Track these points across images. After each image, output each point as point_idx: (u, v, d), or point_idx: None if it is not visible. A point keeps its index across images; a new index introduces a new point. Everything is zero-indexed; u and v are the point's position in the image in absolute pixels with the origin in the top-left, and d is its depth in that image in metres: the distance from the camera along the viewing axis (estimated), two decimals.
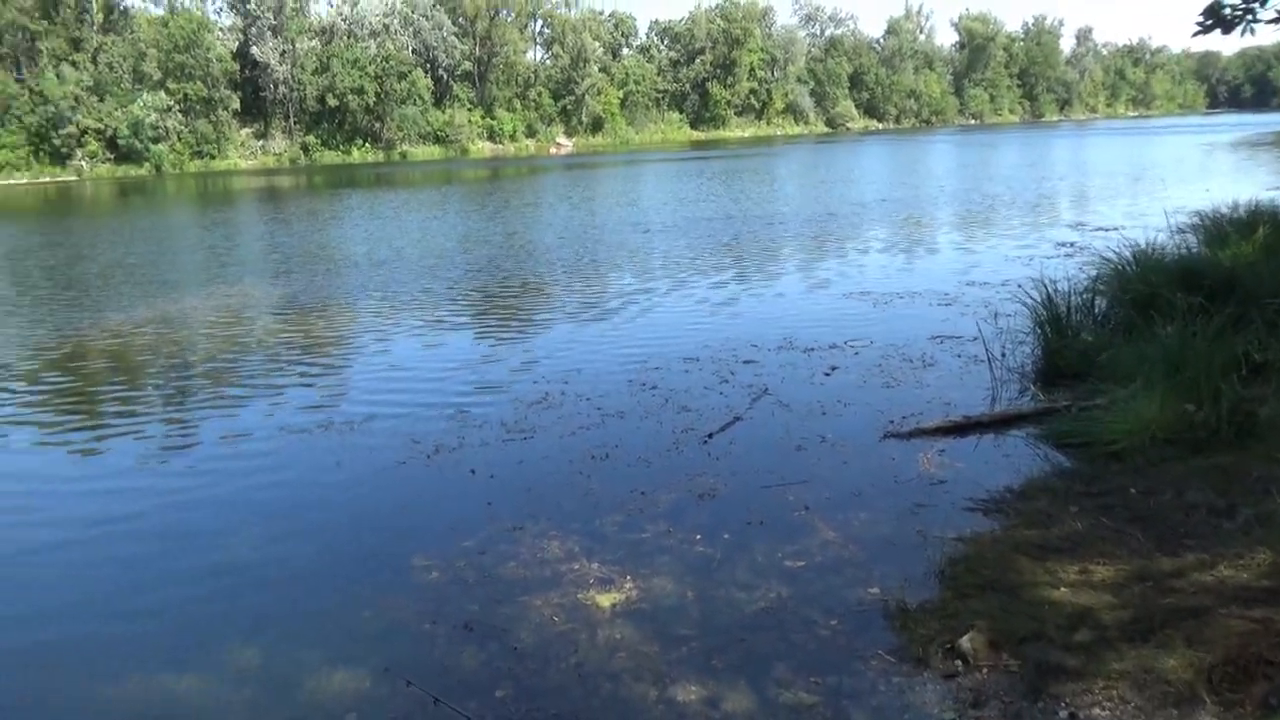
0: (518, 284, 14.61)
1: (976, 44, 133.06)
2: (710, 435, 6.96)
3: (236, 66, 73.60)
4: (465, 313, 12.75)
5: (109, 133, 64.30)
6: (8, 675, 4.36)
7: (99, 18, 69.01)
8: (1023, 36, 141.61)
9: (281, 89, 75.29)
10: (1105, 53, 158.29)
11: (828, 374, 8.51)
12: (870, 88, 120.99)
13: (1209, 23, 9.82)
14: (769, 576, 4.78)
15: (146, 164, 65.02)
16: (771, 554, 5.02)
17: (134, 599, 4.99)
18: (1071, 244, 15.47)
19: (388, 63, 77.88)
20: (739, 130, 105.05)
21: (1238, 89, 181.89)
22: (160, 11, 73.14)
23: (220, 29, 75.12)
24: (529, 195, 34.31)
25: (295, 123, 77.00)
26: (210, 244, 22.87)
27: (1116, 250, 9.44)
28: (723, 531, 5.32)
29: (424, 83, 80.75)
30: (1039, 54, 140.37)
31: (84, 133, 63.63)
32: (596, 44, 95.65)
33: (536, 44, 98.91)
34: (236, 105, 72.45)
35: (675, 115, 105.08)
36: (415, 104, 79.50)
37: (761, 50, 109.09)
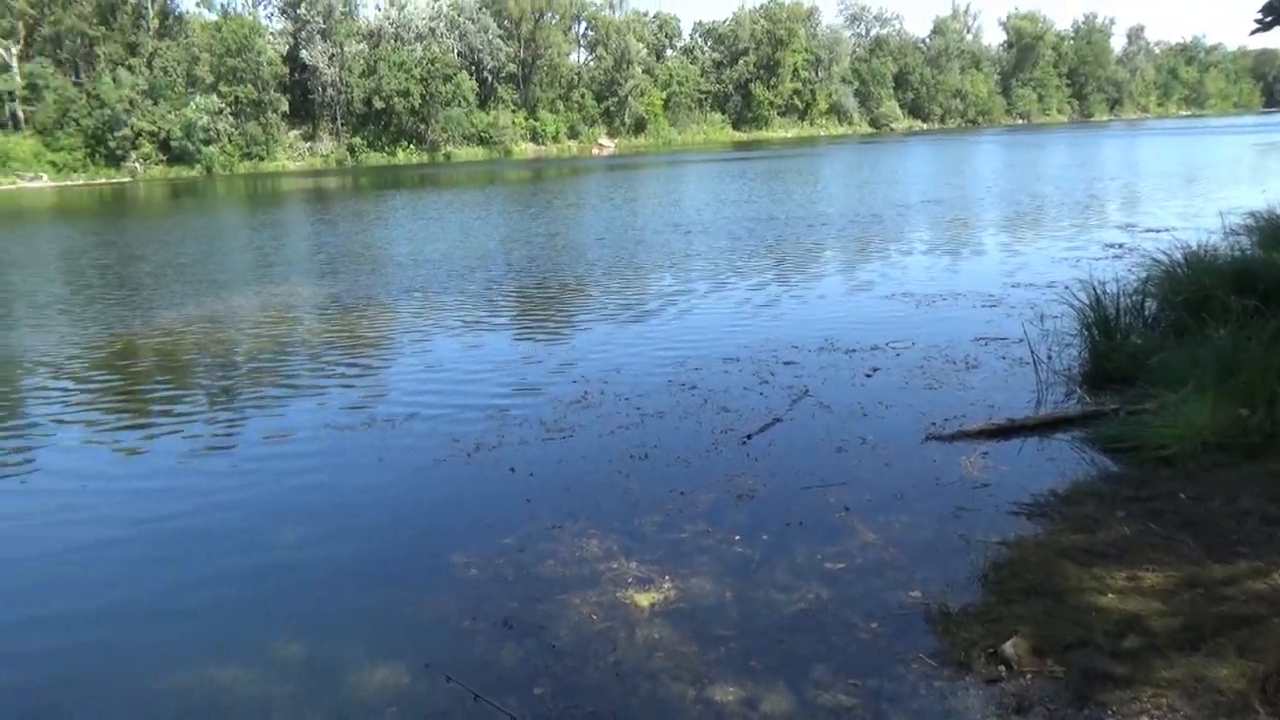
0: (558, 284, 14.68)
1: (1025, 43, 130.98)
2: (750, 436, 6.93)
3: (286, 70, 74.85)
4: (506, 312, 12.84)
5: (162, 135, 65.74)
6: (59, 668, 4.46)
7: (155, 23, 70.60)
8: (1072, 35, 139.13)
9: (329, 92, 76.43)
10: (1157, 51, 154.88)
11: (869, 375, 8.43)
12: (915, 88, 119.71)
13: (1268, 19, 9.55)
14: (808, 578, 4.75)
15: (198, 165, 66.38)
16: (811, 555, 4.99)
17: (180, 594, 5.09)
18: (1121, 245, 15.18)
19: (433, 65, 78.71)
20: (782, 131, 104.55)
21: None
22: (213, 16, 74.74)
23: (271, 33, 76.45)
24: (571, 196, 34.45)
25: (342, 124, 78.11)
26: (258, 244, 23.28)
27: (1167, 252, 9.23)
28: (762, 532, 5.30)
29: (469, 85, 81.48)
30: (1089, 53, 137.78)
31: (138, 135, 65.13)
32: (640, 45, 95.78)
33: (580, 46, 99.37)
34: (285, 108, 73.68)
35: (718, 116, 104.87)
36: (460, 106, 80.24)
37: (806, 50, 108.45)
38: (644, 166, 53.73)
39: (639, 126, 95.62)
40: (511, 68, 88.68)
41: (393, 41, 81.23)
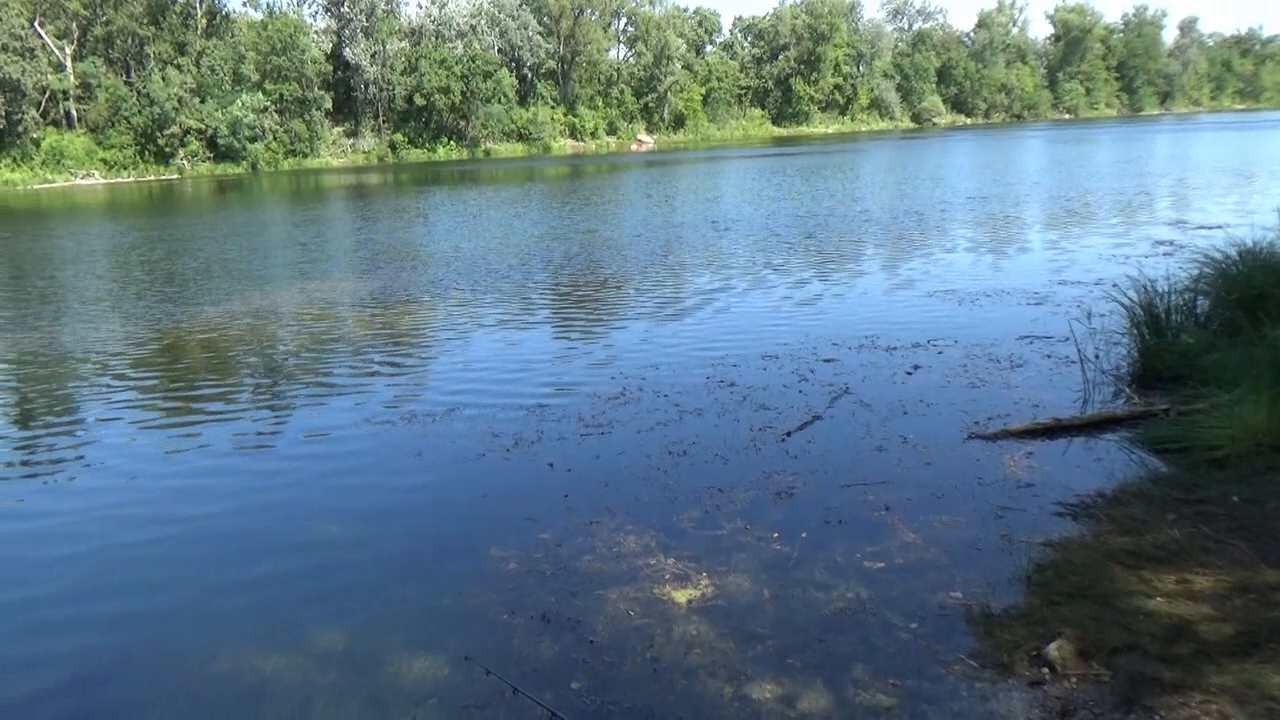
0: (596, 281, 14.70)
1: (1072, 36, 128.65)
2: (789, 433, 6.88)
3: (330, 67, 75.84)
4: (544, 309, 12.88)
5: (209, 132, 66.93)
6: (111, 655, 4.57)
7: (202, 22, 71.88)
8: (1122, 28, 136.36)
9: (371, 89, 77.29)
10: (1211, 43, 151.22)
11: (910, 373, 8.34)
12: (959, 82, 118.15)
13: None
14: (847, 577, 4.71)
15: (243, 162, 67.49)
16: (850, 554, 4.94)
17: (225, 582, 5.18)
18: (1171, 242, 14.84)
19: (474, 62, 79.26)
20: (822, 126, 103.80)
21: None
22: (259, 15, 75.92)
23: (315, 31, 77.50)
24: (609, 192, 34.49)
25: (384, 121, 78.96)
26: (301, 240, 23.59)
27: (1221, 249, 8.99)
28: (800, 530, 5.26)
29: (509, 81, 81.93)
30: (1139, 45, 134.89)
31: (186, 133, 66.38)
32: (680, 41, 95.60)
33: (620, 42, 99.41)
34: (329, 105, 74.64)
35: (757, 111, 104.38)
36: (500, 102, 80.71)
37: (847, 45, 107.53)
38: (682, 163, 53.65)
39: (678, 122, 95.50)
40: (551, 64, 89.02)
41: (434, 39, 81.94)
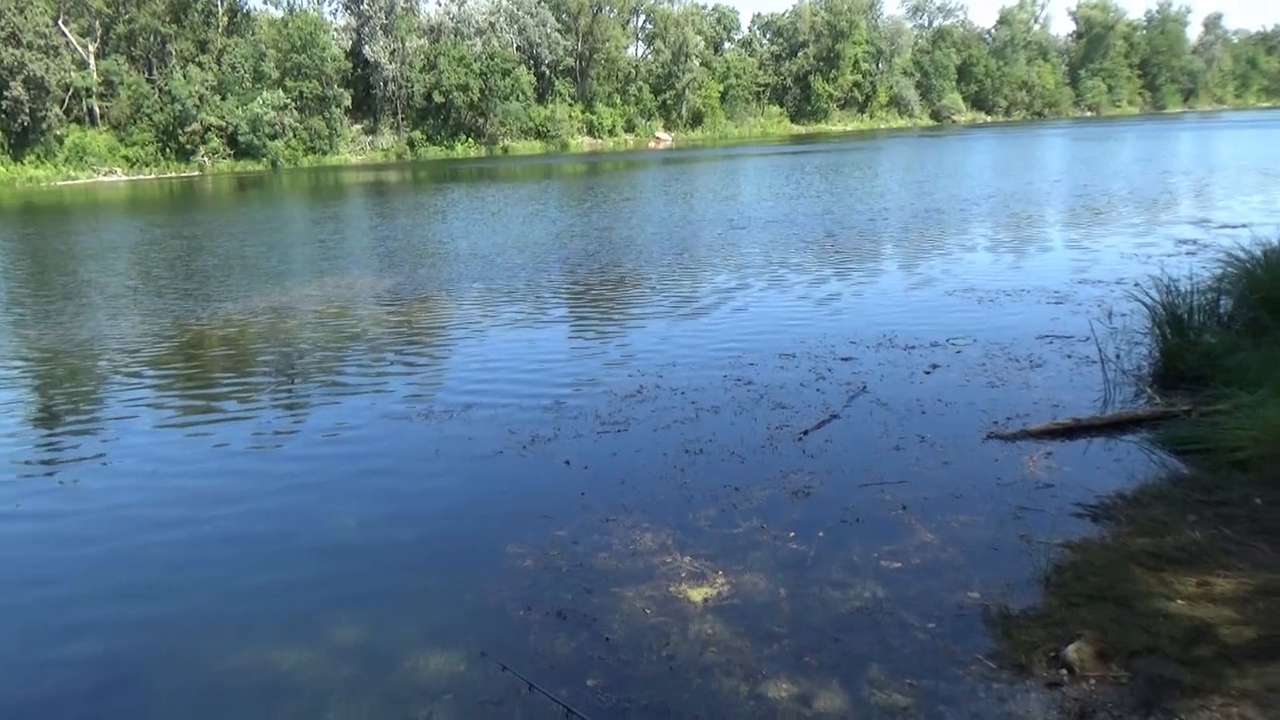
0: (614, 278, 14.70)
1: (1095, 33, 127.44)
2: (805, 432, 6.87)
3: (349, 65, 76.16)
4: (561, 306, 12.90)
5: (230, 130, 67.35)
6: (127, 644, 4.63)
7: (224, 20, 72.37)
8: (1145, 25, 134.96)
9: (390, 86, 77.55)
10: (1236, 40, 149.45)
11: (928, 372, 8.30)
12: (979, 79, 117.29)
13: None
14: (864, 576, 4.69)
15: (263, 159, 67.88)
16: (867, 554, 4.92)
17: (244, 577, 5.22)
18: (1194, 241, 14.69)
19: (492, 60, 79.39)
20: (841, 124, 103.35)
21: None
22: (280, 13, 76.37)
23: (335, 29, 77.85)
24: (627, 190, 34.49)
25: (402, 119, 79.22)
26: (320, 237, 23.72)
27: (1245, 248, 8.90)
28: (817, 529, 5.25)
29: (527, 79, 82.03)
30: (1163, 42, 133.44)
31: (207, 130, 66.83)
32: (698, 38, 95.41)
33: (638, 39, 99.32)
34: (348, 102, 74.96)
35: (775, 109, 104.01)
36: (518, 100, 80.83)
37: (866, 42, 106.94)
38: (700, 160, 53.57)
39: (696, 120, 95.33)
40: (569, 61, 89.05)
41: (453, 36, 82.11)
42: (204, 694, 4.14)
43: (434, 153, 77.41)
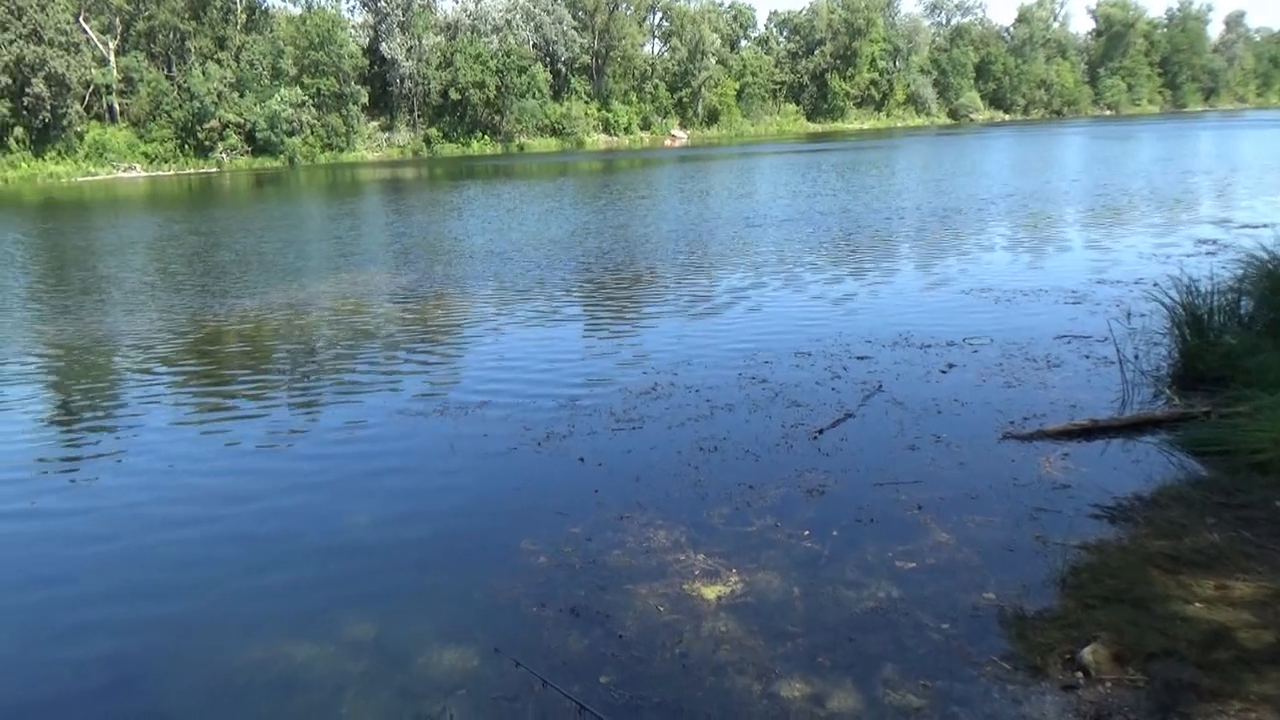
0: (629, 276, 14.70)
1: (1115, 31, 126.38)
2: (821, 431, 6.85)
3: (366, 62, 76.43)
4: (577, 303, 12.91)
5: (248, 126, 67.70)
6: (141, 640, 4.66)
7: (242, 17, 72.75)
8: (1166, 23, 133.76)
9: (407, 84, 77.76)
10: (1258, 38, 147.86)
11: (944, 372, 8.26)
12: (997, 77, 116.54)
13: None
14: (878, 576, 4.68)
15: (281, 156, 68.19)
16: (882, 553, 4.91)
17: (258, 572, 5.26)
18: (1215, 241, 14.56)
19: (508, 57, 79.49)
20: (857, 122, 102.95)
21: None
22: (297, 10, 76.73)
23: (352, 26, 78.12)
24: (642, 188, 34.47)
25: (419, 116, 79.43)
26: (337, 234, 23.82)
27: (1267, 248, 8.80)
28: (831, 528, 5.23)
29: (543, 76, 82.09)
30: (1183, 41, 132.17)
31: (225, 126, 67.20)
32: (714, 36, 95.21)
33: (654, 36, 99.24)
34: (365, 99, 75.22)
35: (792, 107, 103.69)
36: (534, 97, 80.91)
37: (883, 40, 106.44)
38: (716, 158, 53.48)
39: (712, 118, 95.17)
40: (585, 59, 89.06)
41: (469, 34, 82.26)
42: (216, 692, 4.16)
43: (450, 150, 77.57)
